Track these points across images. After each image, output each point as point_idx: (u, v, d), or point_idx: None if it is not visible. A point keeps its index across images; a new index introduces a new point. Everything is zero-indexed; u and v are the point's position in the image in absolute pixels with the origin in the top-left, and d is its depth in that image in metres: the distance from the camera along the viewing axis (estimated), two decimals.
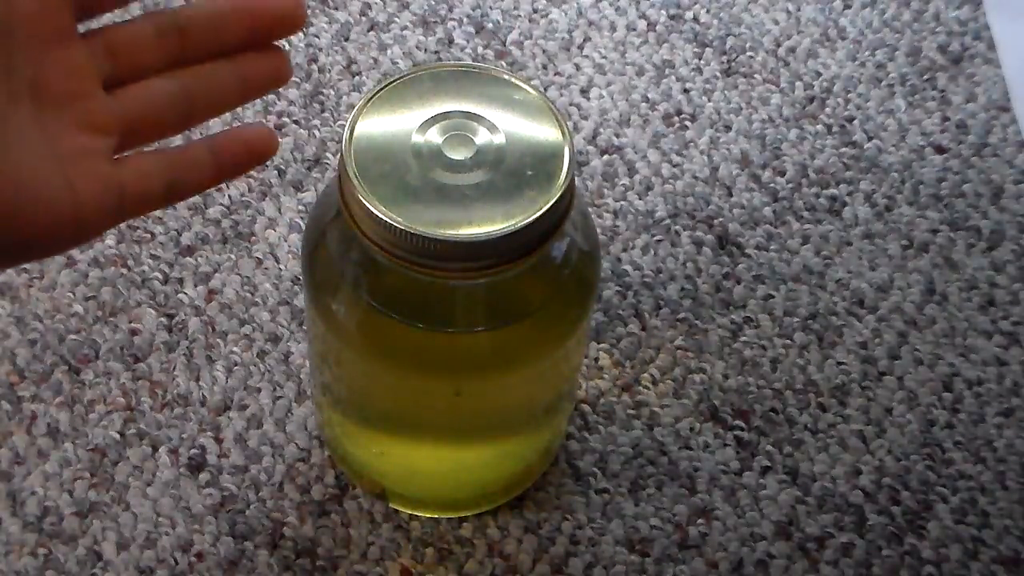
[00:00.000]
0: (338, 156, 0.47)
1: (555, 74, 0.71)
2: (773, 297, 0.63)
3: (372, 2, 0.73)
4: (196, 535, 0.54)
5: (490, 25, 0.73)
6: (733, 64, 0.72)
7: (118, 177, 0.40)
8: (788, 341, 0.62)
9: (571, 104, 0.70)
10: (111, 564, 0.53)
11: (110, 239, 0.62)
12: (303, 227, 0.62)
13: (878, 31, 0.74)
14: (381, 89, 0.45)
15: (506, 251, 0.42)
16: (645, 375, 0.60)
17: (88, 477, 0.55)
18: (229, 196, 0.64)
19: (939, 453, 0.58)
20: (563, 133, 0.44)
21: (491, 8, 0.73)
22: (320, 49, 0.71)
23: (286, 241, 0.63)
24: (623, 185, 0.66)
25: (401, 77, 0.46)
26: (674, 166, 0.67)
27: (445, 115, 0.45)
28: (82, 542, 0.54)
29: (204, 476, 0.56)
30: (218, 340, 0.60)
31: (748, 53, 0.72)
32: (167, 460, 0.56)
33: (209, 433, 0.57)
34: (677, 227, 0.65)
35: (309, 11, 0.72)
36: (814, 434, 0.59)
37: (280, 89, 0.68)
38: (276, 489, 0.56)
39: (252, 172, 0.65)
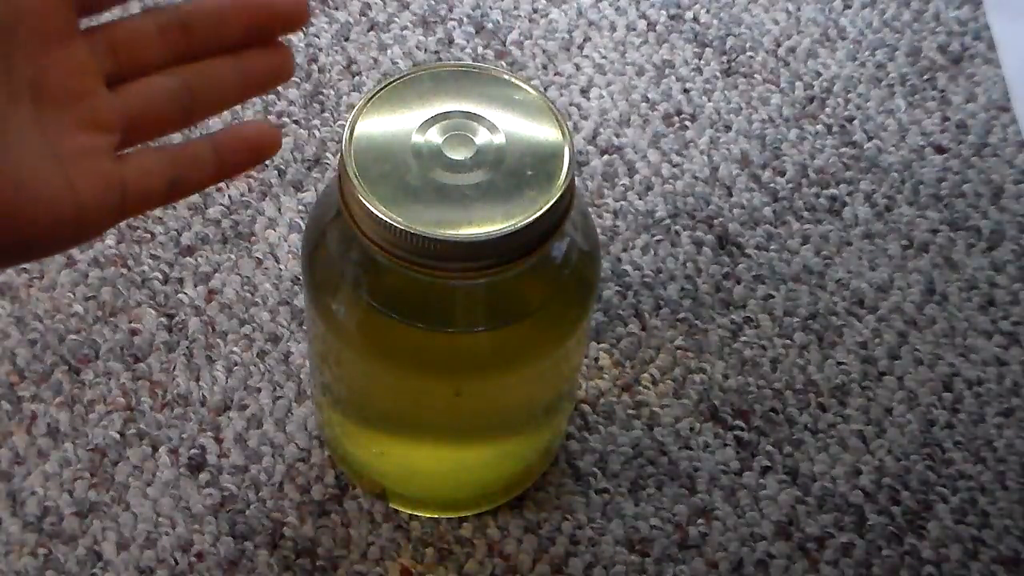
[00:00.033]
0: (338, 156, 0.47)
1: (555, 74, 0.71)
2: (773, 297, 0.63)
3: (372, 2, 0.73)
4: (196, 535, 0.54)
5: (490, 25, 0.73)
6: (733, 64, 0.72)
7: (120, 175, 0.40)
8: (788, 341, 0.62)
9: (571, 104, 0.70)
10: (111, 564, 0.53)
11: (110, 239, 0.62)
12: (303, 227, 0.62)
13: (878, 31, 0.74)
14: (381, 89, 0.45)
15: (506, 251, 0.42)
16: (645, 375, 0.60)
17: (88, 477, 0.55)
18: (229, 196, 0.64)
19: (939, 453, 0.58)
20: (563, 133, 0.44)
21: (491, 8, 0.73)
22: (320, 49, 0.71)
23: (286, 241, 0.63)
24: (623, 185, 0.66)
25: (401, 77, 0.46)
26: (674, 166, 0.67)
27: (445, 115, 0.45)
28: (82, 542, 0.54)
29: (204, 476, 0.56)
30: (218, 340, 0.60)
31: (748, 53, 0.72)
32: (167, 460, 0.56)
33: (209, 433, 0.57)
34: (677, 227, 0.65)
35: (309, 11, 0.72)
36: (814, 434, 0.59)
37: (280, 89, 0.68)
38: (276, 489, 0.56)
39: (252, 172, 0.65)
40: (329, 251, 0.46)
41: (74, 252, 0.62)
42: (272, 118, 0.68)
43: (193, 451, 0.56)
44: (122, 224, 0.63)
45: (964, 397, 0.60)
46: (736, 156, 0.68)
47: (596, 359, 0.60)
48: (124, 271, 0.62)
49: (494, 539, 0.55)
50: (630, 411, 0.59)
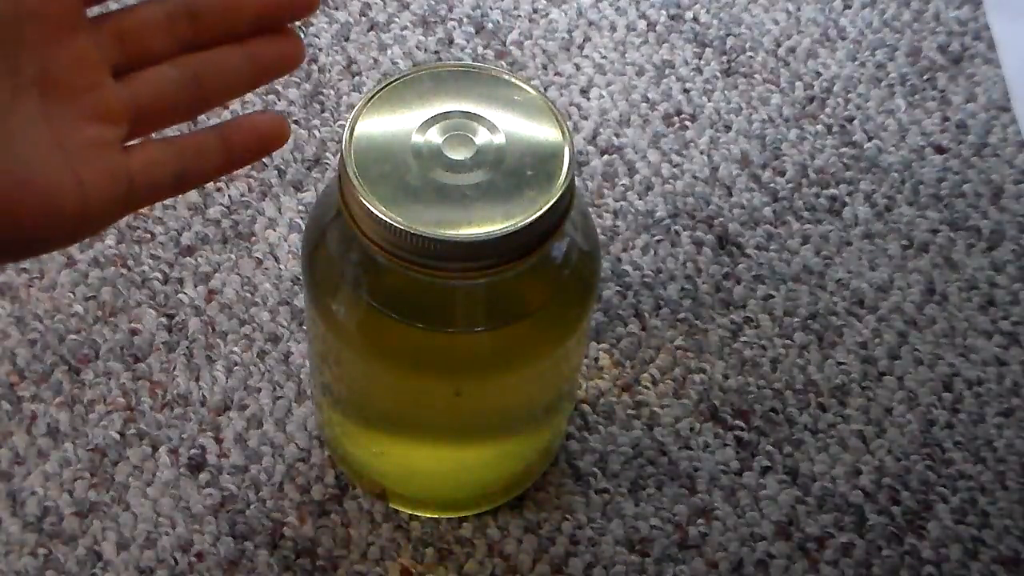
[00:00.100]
0: (338, 156, 0.47)
1: (555, 74, 0.71)
2: (773, 297, 0.63)
3: (372, 2, 0.73)
4: (196, 535, 0.54)
5: (490, 25, 0.73)
6: (733, 64, 0.72)
7: (126, 167, 0.40)
8: (788, 341, 0.62)
9: (571, 104, 0.70)
10: (111, 564, 0.53)
11: (110, 239, 0.62)
12: (303, 227, 0.62)
13: (878, 31, 0.74)
14: (381, 89, 0.45)
15: (506, 251, 0.42)
16: (645, 375, 0.60)
17: (88, 477, 0.55)
18: (229, 196, 0.64)
19: (939, 453, 0.58)
20: (563, 133, 0.44)
21: (491, 8, 0.73)
22: (320, 49, 0.71)
23: (286, 241, 0.63)
24: (623, 185, 0.66)
25: (401, 77, 0.46)
26: (674, 166, 0.67)
27: (445, 115, 0.45)
28: (82, 542, 0.54)
29: (204, 476, 0.56)
30: (218, 340, 0.60)
31: (748, 53, 0.72)
32: (167, 460, 0.56)
33: (209, 433, 0.57)
34: (677, 227, 0.65)
35: None
36: (814, 434, 0.59)
37: (280, 89, 0.68)
38: (276, 489, 0.56)
39: (252, 172, 0.65)
40: (329, 251, 0.46)
41: (74, 252, 0.62)
42: None
43: (193, 451, 0.56)
44: (122, 224, 0.63)
45: (964, 397, 0.60)
46: (736, 156, 0.68)
47: (596, 359, 0.60)
48: (124, 271, 0.62)
49: (494, 539, 0.55)
50: (630, 411, 0.59)
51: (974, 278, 0.64)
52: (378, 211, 0.42)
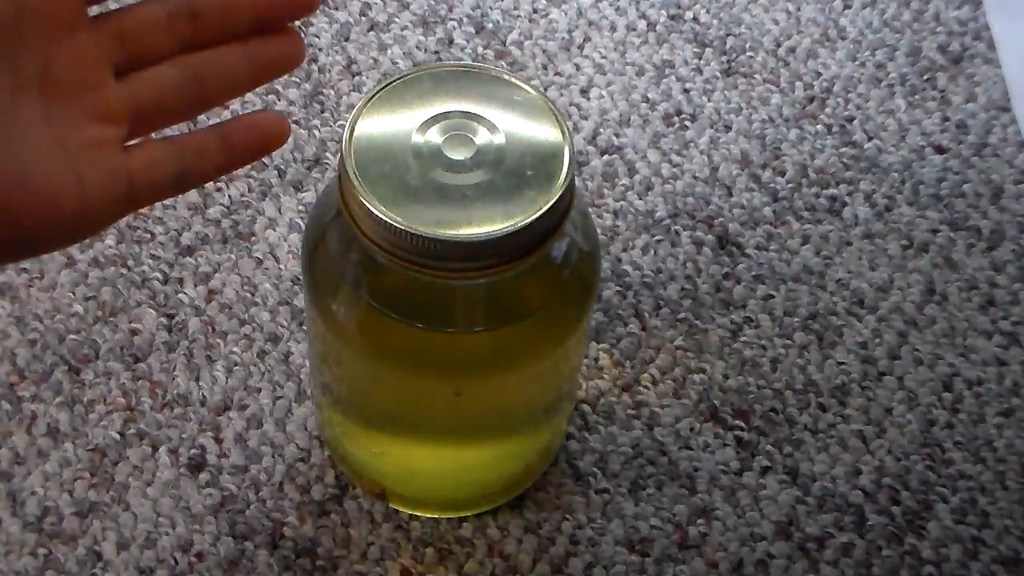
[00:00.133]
0: (338, 156, 0.47)
1: (555, 74, 0.71)
2: (773, 297, 0.63)
3: (372, 2, 0.73)
4: (196, 535, 0.54)
5: (490, 25, 0.73)
6: (733, 64, 0.72)
7: (127, 167, 0.40)
8: (788, 341, 0.62)
9: (571, 104, 0.70)
10: (111, 564, 0.53)
11: (110, 239, 0.62)
12: (303, 227, 0.62)
13: (878, 31, 0.74)
14: (381, 89, 0.45)
15: (506, 251, 0.42)
16: (645, 375, 0.60)
17: (88, 477, 0.55)
18: (229, 196, 0.64)
19: (939, 453, 0.58)
20: (563, 133, 0.44)
21: (491, 8, 0.73)
22: (320, 49, 0.71)
23: (286, 241, 0.63)
24: (623, 185, 0.66)
25: (401, 77, 0.46)
26: (674, 166, 0.67)
27: (445, 115, 0.45)
28: (82, 542, 0.54)
29: (204, 476, 0.56)
30: (218, 340, 0.60)
31: (748, 53, 0.72)
32: (167, 460, 0.56)
33: (209, 433, 0.57)
34: (677, 227, 0.65)
35: None
36: (814, 434, 0.59)
37: (280, 89, 0.68)
38: (276, 489, 0.56)
39: (252, 172, 0.65)
40: (329, 251, 0.46)
41: (74, 252, 0.62)
42: None
43: (193, 451, 0.56)
44: (122, 224, 0.63)
45: (964, 397, 0.60)
46: (736, 156, 0.68)
47: (596, 359, 0.60)
48: (124, 271, 0.62)
49: (494, 539, 0.55)
50: (630, 411, 0.59)
51: (974, 278, 0.64)
52: (378, 211, 0.42)
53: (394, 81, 0.46)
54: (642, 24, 0.73)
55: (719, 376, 0.60)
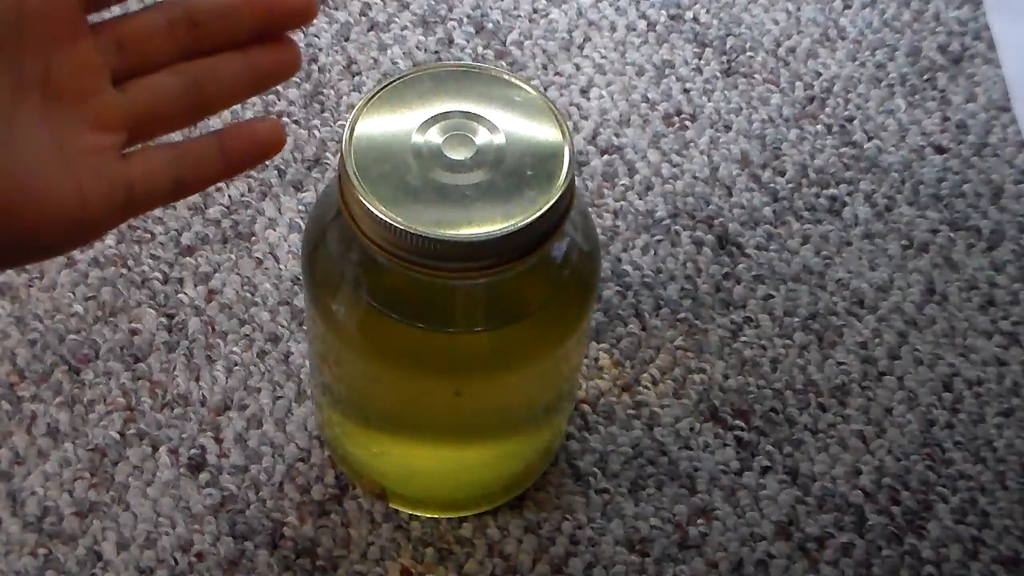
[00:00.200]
0: (338, 156, 0.47)
1: (555, 74, 0.71)
2: (773, 297, 0.63)
3: (372, 2, 0.73)
4: (196, 535, 0.54)
5: (490, 25, 0.73)
6: (733, 64, 0.72)
7: (126, 174, 0.40)
8: (788, 341, 0.62)
9: (571, 104, 0.70)
10: (111, 564, 0.53)
11: (110, 239, 0.62)
12: (303, 227, 0.62)
13: (878, 31, 0.74)
14: (381, 89, 0.45)
15: (506, 251, 0.42)
16: (645, 375, 0.60)
17: (88, 477, 0.55)
18: (229, 196, 0.64)
19: (939, 453, 0.58)
20: (563, 133, 0.44)
21: (491, 8, 0.73)
22: (320, 49, 0.71)
23: (286, 241, 0.63)
24: (623, 185, 0.66)
25: (401, 77, 0.46)
26: (674, 166, 0.67)
27: (445, 115, 0.45)
28: (82, 542, 0.54)
29: (204, 476, 0.56)
30: (218, 340, 0.60)
31: (748, 53, 0.72)
32: (167, 460, 0.56)
33: (209, 433, 0.57)
34: (677, 227, 0.65)
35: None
36: (814, 434, 0.59)
37: (280, 89, 0.68)
38: (276, 489, 0.56)
39: (252, 172, 0.65)
40: (329, 251, 0.46)
41: (74, 252, 0.62)
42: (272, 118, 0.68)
43: (193, 451, 0.56)
44: (122, 224, 0.63)
45: (964, 397, 0.60)
46: (736, 156, 0.68)
47: (596, 359, 0.60)
48: (124, 271, 0.62)
49: (494, 539, 0.55)
50: (630, 411, 0.59)
51: (974, 278, 0.64)
52: (378, 211, 0.42)
53: (394, 81, 0.46)
54: (642, 24, 0.73)
55: (719, 376, 0.60)
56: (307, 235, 0.49)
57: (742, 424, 0.59)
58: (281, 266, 0.62)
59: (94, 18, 0.40)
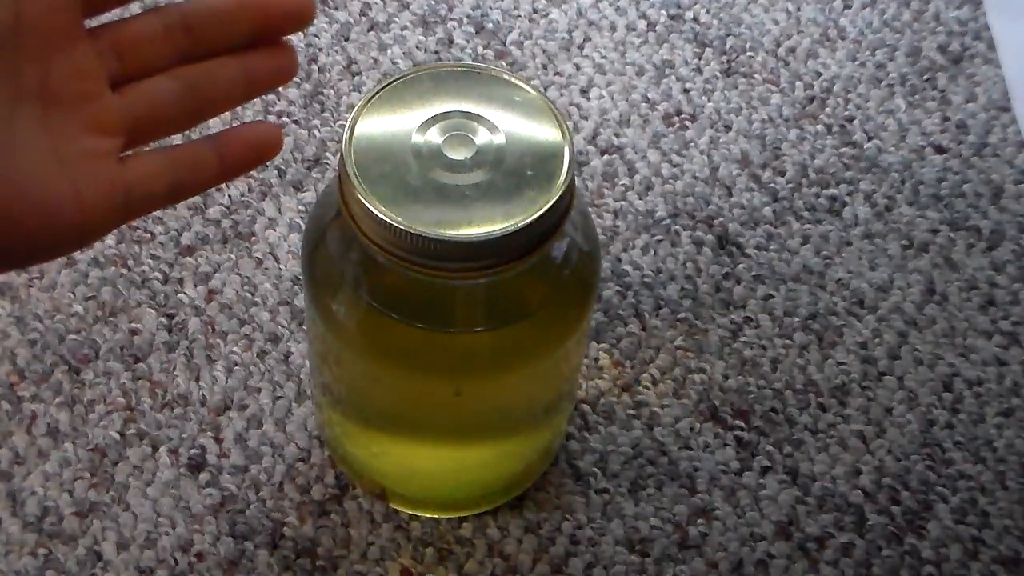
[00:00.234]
0: (338, 156, 0.47)
1: (555, 74, 0.71)
2: (773, 297, 0.63)
3: (372, 2, 0.73)
4: (196, 535, 0.54)
5: (490, 25, 0.73)
6: (733, 64, 0.72)
7: (123, 178, 0.40)
8: (788, 341, 0.62)
9: (571, 104, 0.70)
10: (111, 564, 0.53)
11: (110, 239, 0.62)
12: (303, 227, 0.62)
13: (878, 31, 0.74)
14: (381, 89, 0.45)
15: (506, 251, 0.42)
16: (645, 375, 0.60)
17: (88, 477, 0.55)
18: (229, 196, 0.64)
19: (939, 453, 0.58)
20: (563, 133, 0.44)
21: (491, 8, 0.73)
22: (320, 49, 0.71)
23: (286, 241, 0.63)
24: (623, 185, 0.66)
25: (401, 77, 0.46)
26: (674, 166, 0.67)
27: (445, 115, 0.45)
28: (82, 542, 0.54)
29: (204, 476, 0.56)
30: (218, 340, 0.60)
31: (748, 53, 0.72)
32: (167, 460, 0.56)
33: (209, 433, 0.57)
34: (677, 227, 0.65)
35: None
36: (814, 434, 0.59)
37: (280, 89, 0.68)
38: (276, 489, 0.56)
39: (252, 172, 0.65)
40: (329, 251, 0.46)
41: (74, 252, 0.62)
42: (272, 118, 0.68)
43: (193, 451, 0.56)
44: (120, 226, 0.63)
45: (964, 397, 0.60)
46: (736, 156, 0.68)
47: (596, 359, 0.60)
48: (124, 271, 0.62)
49: (494, 539, 0.55)
50: (630, 411, 0.59)
51: (974, 278, 0.64)
52: (378, 211, 0.42)
53: (394, 81, 0.46)
54: (642, 24, 0.73)
55: (719, 376, 0.60)
56: (307, 235, 0.49)
57: (742, 424, 0.59)
58: (281, 266, 0.62)
59: (91, 22, 0.40)
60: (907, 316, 0.63)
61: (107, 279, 0.61)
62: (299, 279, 0.62)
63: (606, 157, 0.67)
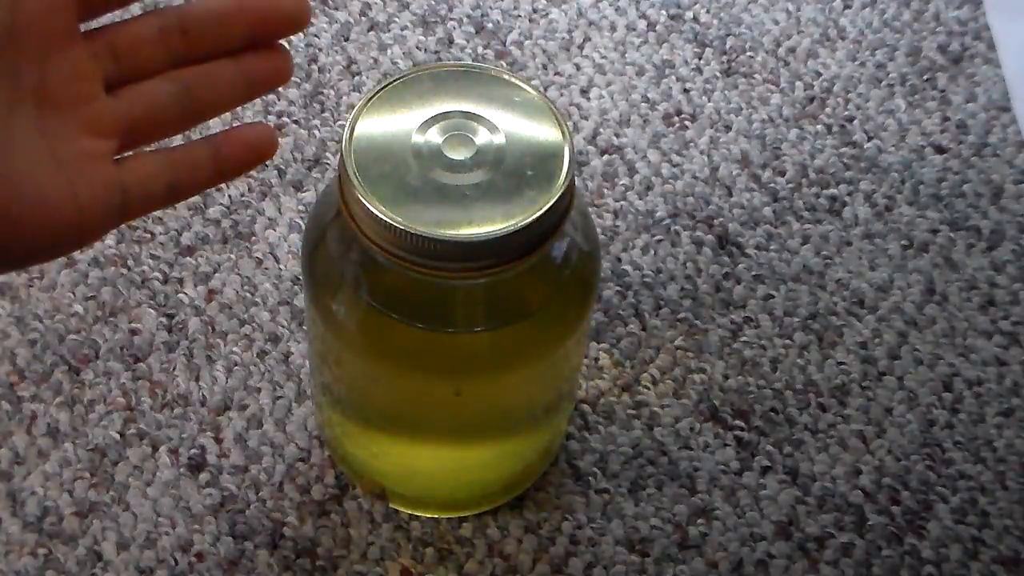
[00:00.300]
0: (338, 156, 0.47)
1: (555, 74, 0.71)
2: (773, 297, 0.63)
3: (372, 2, 0.73)
4: (196, 535, 0.54)
5: (490, 25, 0.73)
6: (733, 64, 0.72)
7: (120, 180, 0.40)
8: (788, 341, 0.62)
9: (571, 104, 0.70)
10: (111, 564, 0.53)
11: (110, 239, 0.62)
12: (303, 227, 0.62)
13: (878, 31, 0.74)
14: (381, 89, 0.45)
15: (506, 251, 0.42)
16: (645, 375, 0.60)
17: (88, 477, 0.55)
18: (229, 196, 0.64)
19: (939, 453, 0.58)
20: (563, 133, 0.44)
21: (491, 8, 0.73)
22: (320, 49, 0.71)
23: (286, 241, 0.63)
24: (623, 185, 0.66)
25: (401, 77, 0.46)
26: (674, 166, 0.67)
27: (445, 115, 0.45)
28: (82, 542, 0.54)
29: (204, 476, 0.56)
30: (218, 340, 0.60)
31: (748, 53, 0.72)
32: (167, 460, 0.56)
33: (209, 433, 0.57)
34: (677, 227, 0.65)
35: (311, 13, 0.72)
36: (814, 434, 0.59)
37: (280, 89, 0.68)
38: (276, 489, 0.56)
39: (252, 172, 0.65)
40: (329, 251, 0.46)
41: (74, 252, 0.62)
42: (272, 118, 0.68)
43: (193, 451, 0.56)
44: (122, 224, 0.63)
45: (964, 397, 0.60)
46: (736, 156, 0.68)
47: (596, 359, 0.60)
48: (124, 271, 0.62)
49: (494, 539, 0.55)
50: (630, 411, 0.59)
51: (974, 278, 0.64)
52: (378, 211, 0.42)
53: (394, 81, 0.46)
54: (642, 24, 0.73)
55: (719, 376, 0.60)
56: (307, 235, 0.49)
57: (742, 424, 0.59)
58: (281, 266, 0.62)
59: (90, 24, 0.40)
60: (907, 316, 0.63)
61: (107, 279, 0.61)
62: (299, 279, 0.62)
63: (606, 157, 0.67)
